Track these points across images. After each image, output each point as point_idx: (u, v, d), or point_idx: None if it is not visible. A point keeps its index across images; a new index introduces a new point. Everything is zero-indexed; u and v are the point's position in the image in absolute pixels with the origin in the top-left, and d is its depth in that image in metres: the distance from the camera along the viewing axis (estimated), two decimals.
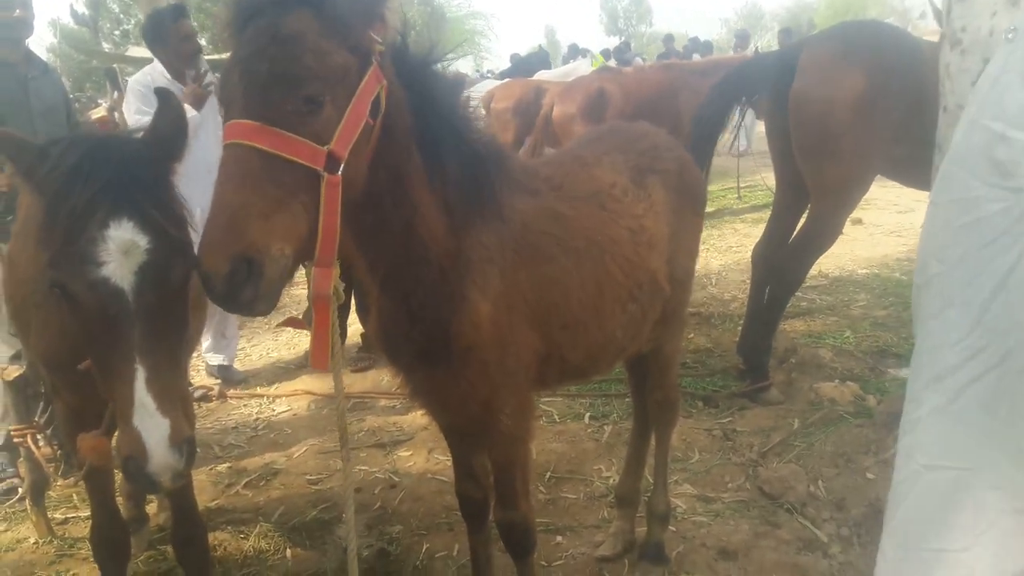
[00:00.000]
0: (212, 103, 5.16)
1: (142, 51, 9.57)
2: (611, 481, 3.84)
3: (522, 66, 17.53)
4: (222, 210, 1.61)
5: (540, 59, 18.31)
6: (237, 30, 1.74)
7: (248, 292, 1.60)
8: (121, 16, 29.64)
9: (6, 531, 3.80)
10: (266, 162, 1.63)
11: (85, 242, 1.76)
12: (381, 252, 2.12)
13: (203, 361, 5.71)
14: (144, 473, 1.75)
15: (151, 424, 1.73)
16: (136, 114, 4.87)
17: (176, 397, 1.84)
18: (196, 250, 1.72)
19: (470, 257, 2.16)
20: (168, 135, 2.02)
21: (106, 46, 26.44)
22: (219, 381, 5.58)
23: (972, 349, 1.69)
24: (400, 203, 2.03)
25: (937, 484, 1.70)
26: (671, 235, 2.74)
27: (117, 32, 29.63)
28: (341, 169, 1.71)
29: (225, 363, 5.67)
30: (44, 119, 4.17)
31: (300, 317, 1.92)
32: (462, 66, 35.67)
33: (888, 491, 1.88)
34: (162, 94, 2.09)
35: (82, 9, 26.00)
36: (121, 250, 1.76)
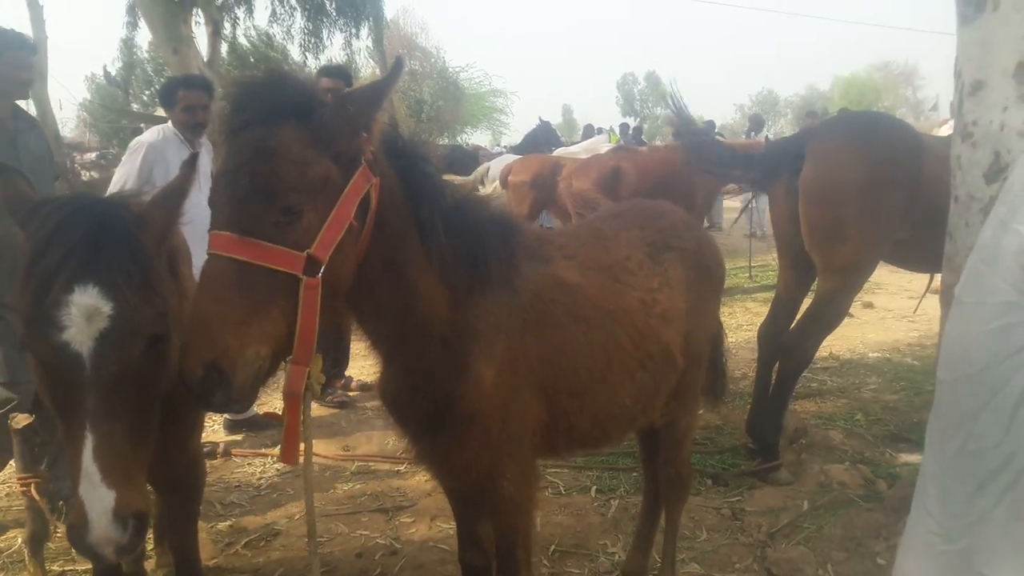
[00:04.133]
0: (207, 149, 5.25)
1: None
2: (617, 557, 3.77)
3: (530, 140, 17.83)
4: (199, 319, 1.71)
5: (544, 130, 18.50)
6: (228, 140, 1.83)
7: (220, 396, 1.69)
8: (152, 76, 30.46)
9: None
10: (244, 271, 1.71)
11: (49, 305, 1.78)
12: (383, 330, 2.20)
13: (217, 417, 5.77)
14: (84, 544, 1.73)
15: (93, 495, 1.72)
16: (144, 183, 4.73)
17: (132, 469, 1.82)
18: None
19: (476, 326, 2.22)
20: (166, 206, 2.07)
21: (135, 106, 27.13)
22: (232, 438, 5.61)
23: (1006, 454, 1.69)
24: (397, 287, 2.09)
25: None
26: (688, 311, 2.77)
27: (147, 93, 30.42)
28: (322, 271, 1.78)
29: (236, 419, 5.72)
30: (32, 173, 4.22)
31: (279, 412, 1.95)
32: (480, 139, 36.38)
33: None
34: (189, 163, 2.16)
35: (116, 68, 26.80)
36: (82, 315, 1.78)
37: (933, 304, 5.50)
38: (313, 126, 1.82)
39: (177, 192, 2.10)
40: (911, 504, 3.88)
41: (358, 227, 1.91)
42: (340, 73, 5.83)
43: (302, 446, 1.97)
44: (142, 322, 1.85)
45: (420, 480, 4.77)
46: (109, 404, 1.78)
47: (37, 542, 3.56)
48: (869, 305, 8.82)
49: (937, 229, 3.74)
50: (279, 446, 5.39)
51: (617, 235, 2.79)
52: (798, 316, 4.92)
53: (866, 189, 4.32)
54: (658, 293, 2.69)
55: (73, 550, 3.88)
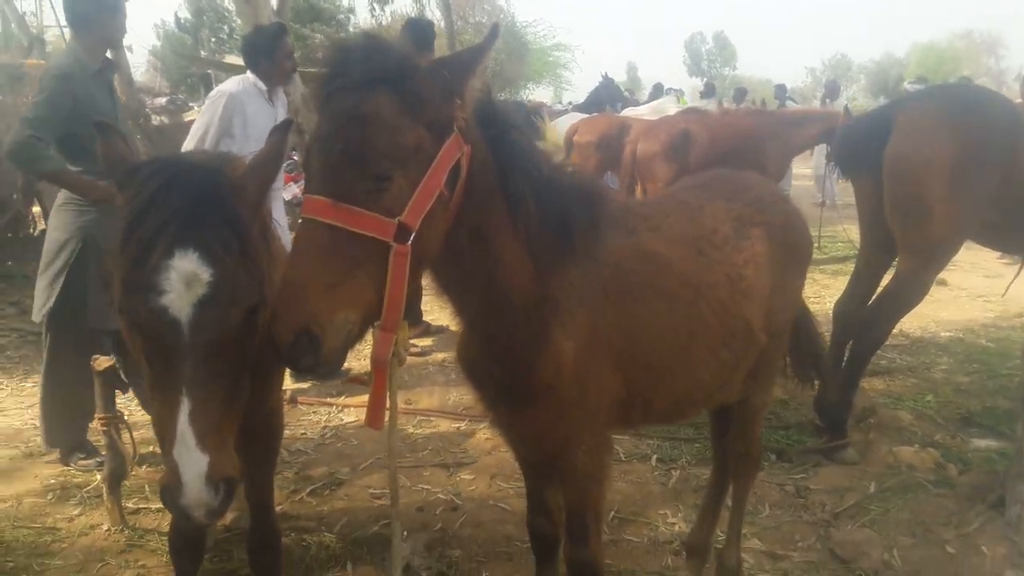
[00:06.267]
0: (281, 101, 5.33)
1: (238, 59, 9.88)
2: (676, 528, 3.77)
3: (593, 98, 17.49)
4: (291, 283, 1.71)
5: (607, 87, 18.07)
6: (321, 106, 1.82)
7: (309, 360, 1.70)
8: (217, 24, 30.74)
9: (80, 515, 3.91)
10: (336, 236, 1.71)
11: (149, 270, 1.79)
12: (466, 299, 2.19)
13: None
14: (177, 505, 1.77)
15: (188, 459, 1.75)
16: (223, 134, 4.88)
17: (224, 433, 1.85)
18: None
19: (557, 298, 2.19)
20: (262, 173, 2.07)
21: (202, 53, 27.47)
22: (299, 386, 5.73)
23: None
24: (482, 257, 2.07)
25: None
26: (772, 287, 2.70)
27: (213, 40, 30.75)
28: (412, 238, 1.77)
29: None
30: (123, 123, 4.34)
31: (364, 375, 1.96)
32: (542, 95, 35.95)
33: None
34: (282, 127, 2.16)
35: (185, 15, 27.13)
36: (182, 281, 1.78)
37: (1014, 286, 5.32)
38: (407, 92, 1.80)
39: (272, 160, 2.10)
40: (988, 489, 3.81)
41: (448, 195, 1.89)
42: (423, 28, 5.91)
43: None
44: (240, 290, 1.86)
45: (480, 438, 4.82)
46: (205, 370, 1.80)
47: (115, 480, 3.70)
48: (943, 283, 8.51)
49: None
50: (343, 395, 5.52)
51: (703, 207, 2.72)
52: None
53: (955, 166, 4.15)
54: (744, 269, 2.62)
55: (147, 487, 4.05)
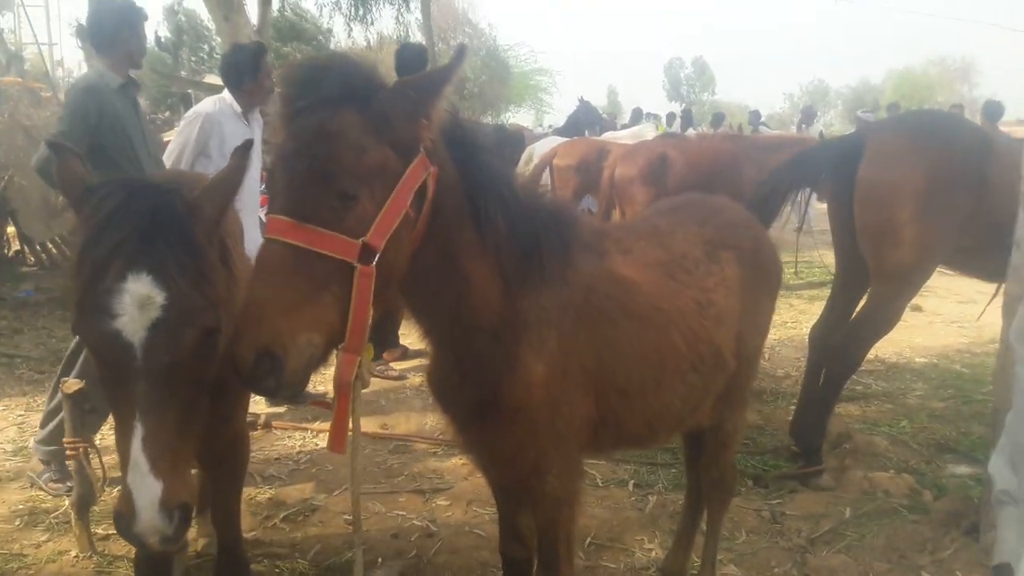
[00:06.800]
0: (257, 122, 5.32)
1: (218, 79, 9.88)
2: (653, 554, 3.74)
3: (572, 122, 17.55)
4: (253, 303, 1.70)
5: (586, 111, 18.10)
6: (286, 124, 1.82)
7: (270, 382, 1.68)
8: (197, 44, 30.74)
9: (48, 542, 3.82)
10: (299, 257, 1.70)
11: (101, 292, 1.77)
12: (435, 320, 2.19)
13: None
14: (131, 533, 1.75)
15: (141, 485, 1.72)
16: (199, 154, 4.89)
17: (180, 459, 1.82)
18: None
19: (527, 320, 2.19)
20: (220, 193, 2.04)
21: (182, 72, 27.43)
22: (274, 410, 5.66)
23: None
24: (451, 277, 2.08)
25: None
26: (742, 311, 2.72)
27: (193, 59, 30.72)
28: (376, 258, 1.76)
29: None
30: (149, 138, 4.34)
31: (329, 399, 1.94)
32: (524, 118, 36.14)
33: None
34: (243, 149, 2.13)
35: (165, 34, 27.09)
36: (134, 304, 1.76)
37: (988, 311, 5.37)
38: (372, 111, 1.80)
39: (231, 180, 2.07)
40: (962, 515, 3.84)
41: (414, 216, 1.89)
42: (415, 53, 6.00)
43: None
44: (194, 312, 1.83)
45: (457, 463, 4.78)
46: (159, 395, 1.77)
47: (84, 505, 3.63)
48: (917, 308, 8.60)
49: (1005, 236, 3.61)
50: (318, 420, 5.46)
51: (674, 231, 2.74)
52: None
53: (923, 191, 4.20)
54: (713, 293, 2.64)
55: None
